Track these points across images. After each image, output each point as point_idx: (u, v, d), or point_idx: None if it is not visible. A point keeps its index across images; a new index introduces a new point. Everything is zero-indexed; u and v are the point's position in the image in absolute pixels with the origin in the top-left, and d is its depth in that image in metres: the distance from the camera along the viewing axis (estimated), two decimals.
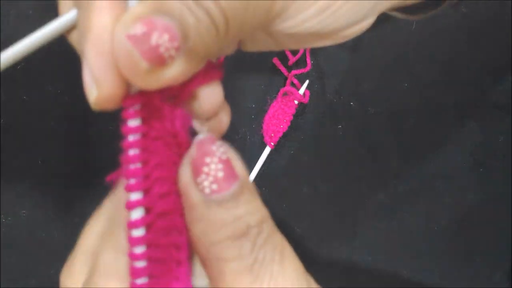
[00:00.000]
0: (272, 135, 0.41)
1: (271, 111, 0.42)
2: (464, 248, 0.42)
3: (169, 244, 0.17)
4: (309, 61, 0.43)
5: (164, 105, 0.17)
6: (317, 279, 0.45)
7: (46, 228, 0.41)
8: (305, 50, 0.43)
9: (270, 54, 0.43)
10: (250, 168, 0.42)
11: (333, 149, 0.42)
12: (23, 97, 0.42)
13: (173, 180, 0.17)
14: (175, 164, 0.17)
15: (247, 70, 0.43)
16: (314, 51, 0.44)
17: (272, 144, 0.41)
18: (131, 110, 0.16)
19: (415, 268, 0.42)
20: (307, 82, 0.43)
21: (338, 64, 0.43)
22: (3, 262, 0.40)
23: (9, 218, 0.41)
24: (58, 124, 0.42)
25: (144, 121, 0.17)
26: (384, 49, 0.43)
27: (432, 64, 0.43)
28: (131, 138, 0.16)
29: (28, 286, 0.40)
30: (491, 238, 0.42)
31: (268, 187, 0.42)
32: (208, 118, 0.20)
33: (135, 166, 0.16)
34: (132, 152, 0.16)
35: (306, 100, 0.42)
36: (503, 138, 0.43)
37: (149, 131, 0.17)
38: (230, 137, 0.47)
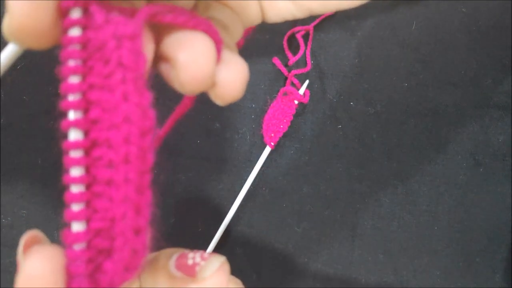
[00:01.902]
0: (272, 135, 0.41)
1: (271, 111, 0.42)
2: (464, 248, 0.42)
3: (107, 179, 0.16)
4: (309, 61, 0.43)
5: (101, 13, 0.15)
6: (317, 279, 0.45)
7: (46, 228, 0.41)
8: (305, 50, 0.43)
9: (270, 54, 0.43)
10: (250, 168, 0.42)
11: (333, 149, 0.42)
12: (23, 97, 0.42)
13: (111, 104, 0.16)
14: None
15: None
16: (314, 51, 0.44)
17: (272, 144, 0.41)
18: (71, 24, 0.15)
19: (415, 268, 0.42)
20: (307, 82, 0.43)
21: (338, 64, 0.43)
22: (3, 262, 0.40)
23: (9, 218, 0.41)
24: (58, 124, 0.42)
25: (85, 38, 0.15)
26: (384, 49, 0.43)
27: (432, 64, 0.43)
28: (70, 48, 0.15)
29: None
30: (491, 238, 0.42)
31: (268, 187, 0.42)
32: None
33: (73, 80, 0.16)
34: (70, 63, 0.15)
35: (306, 100, 0.42)
36: (503, 138, 0.43)
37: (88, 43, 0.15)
38: (230, 137, 0.47)
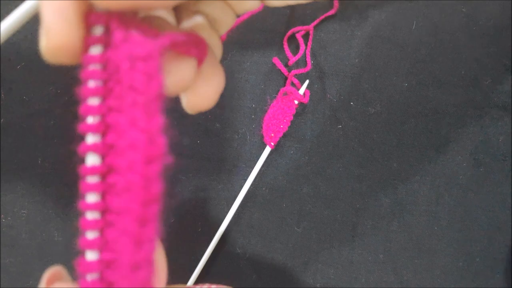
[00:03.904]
0: (272, 135, 0.41)
1: (271, 111, 0.42)
2: (464, 248, 0.42)
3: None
4: (309, 61, 0.43)
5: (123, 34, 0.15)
6: (317, 279, 0.45)
7: (46, 228, 0.41)
8: (305, 50, 0.43)
9: (270, 54, 0.43)
10: (250, 168, 0.42)
11: (333, 149, 0.42)
12: (23, 97, 0.42)
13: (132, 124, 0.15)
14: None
15: (247, 70, 0.43)
16: (314, 51, 0.44)
17: (272, 144, 0.41)
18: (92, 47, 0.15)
19: (415, 268, 0.42)
20: (307, 82, 0.43)
21: (338, 64, 0.43)
22: (3, 262, 0.40)
23: (9, 218, 0.41)
24: (58, 124, 0.42)
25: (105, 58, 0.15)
26: (384, 49, 0.43)
27: (432, 64, 0.43)
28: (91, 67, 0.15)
29: (28, 286, 0.40)
30: (491, 238, 0.42)
31: (268, 187, 0.42)
32: (174, 94, 0.18)
33: (92, 102, 0.15)
34: (92, 84, 0.15)
35: (306, 100, 0.42)
36: (503, 138, 0.43)
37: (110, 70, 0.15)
38: (230, 137, 0.47)
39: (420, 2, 0.44)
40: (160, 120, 0.15)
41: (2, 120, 0.41)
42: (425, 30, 0.44)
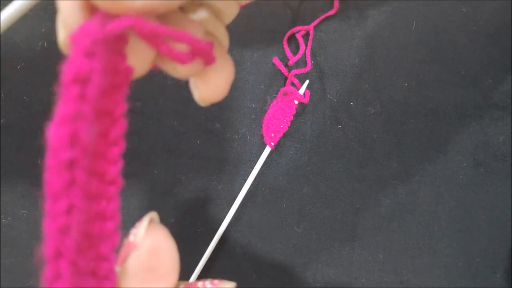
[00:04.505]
0: (272, 135, 0.41)
1: (271, 111, 0.42)
2: (464, 248, 0.42)
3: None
4: (309, 61, 0.43)
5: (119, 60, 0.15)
6: (317, 279, 0.45)
7: None
8: (305, 50, 0.43)
9: (270, 54, 0.43)
10: (250, 168, 0.42)
11: (333, 149, 0.42)
12: (23, 97, 0.42)
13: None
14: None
15: (247, 70, 0.43)
16: (314, 51, 0.44)
17: (272, 144, 0.41)
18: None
19: (415, 268, 0.42)
20: (307, 82, 0.43)
21: (338, 64, 0.43)
22: (3, 262, 0.40)
23: (9, 218, 0.41)
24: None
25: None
26: (384, 49, 0.43)
27: (432, 64, 0.43)
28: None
29: (28, 286, 0.40)
30: (491, 238, 0.42)
31: (268, 187, 0.42)
32: (182, 78, 0.19)
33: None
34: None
35: (306, 100, 0.42)
36: (503, 138, 0.43)
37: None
38: (230, 137, 0.47)
39: (420, 2, 0.44)
40: None
41: (2, 120, 0.41)
42: (425, 30, 0.44)
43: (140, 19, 0.14)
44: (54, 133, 0.14)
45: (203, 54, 0.17)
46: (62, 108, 0.14)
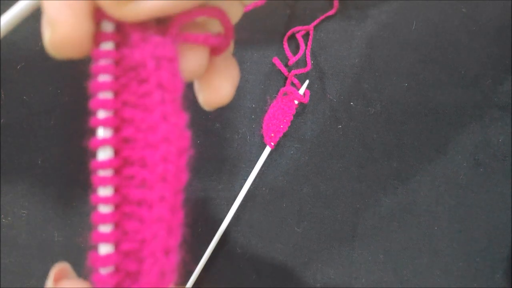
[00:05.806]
0: (272, 135, 0.41)
1: (271, 111, 0.42)
2: (464, 248, 0.42)
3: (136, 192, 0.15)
4: (309, 61, 0.43)
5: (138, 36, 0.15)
6: (317, 279, 0.45)
7: (46, 228, 0.41)
8: (305, 50, 0.43)
9: (270, 54, 0.43)
10: (250, 168, 0.42)
11: (333, 149, 0.42)
12: (23, 97, 0.42)
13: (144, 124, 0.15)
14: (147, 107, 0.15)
15: (247, 70, 0.43)
16: (314, 51, 0.44)
17: (272, 144, 0.41)
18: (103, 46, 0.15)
19: (415, 268, 0.42)
20: (307, 82, 0.43)
21: (338, 64, 0.43)
22: (3, 262, 0.40)
23: (9, 218, 0.41)
24: (58, 124, 0.42)
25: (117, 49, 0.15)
26: (384, 49, 0.43)
27: (432, 64, 0.43)
28: (102, 62, 0.15)
29: (28, 286, 0.40)
30: (491, 238, 0.42)
31: (268, 187, 0.42)
32: (189, 79, 0.18)
33: (104, 96, 0.15)
34: (102, 78, 0.15)
35: (306, 100, 0.42)
36: (503, 138, 0.43)
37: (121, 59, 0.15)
38: (230, 137, 0.47)
39: (420, 2, 0.44)
40: (185, 115, 0.16)
41: (2, 120, 0.41)
42: (425, 30, 0.44)
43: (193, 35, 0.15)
44: None
45: (230, 33, 0.17)
46: None
